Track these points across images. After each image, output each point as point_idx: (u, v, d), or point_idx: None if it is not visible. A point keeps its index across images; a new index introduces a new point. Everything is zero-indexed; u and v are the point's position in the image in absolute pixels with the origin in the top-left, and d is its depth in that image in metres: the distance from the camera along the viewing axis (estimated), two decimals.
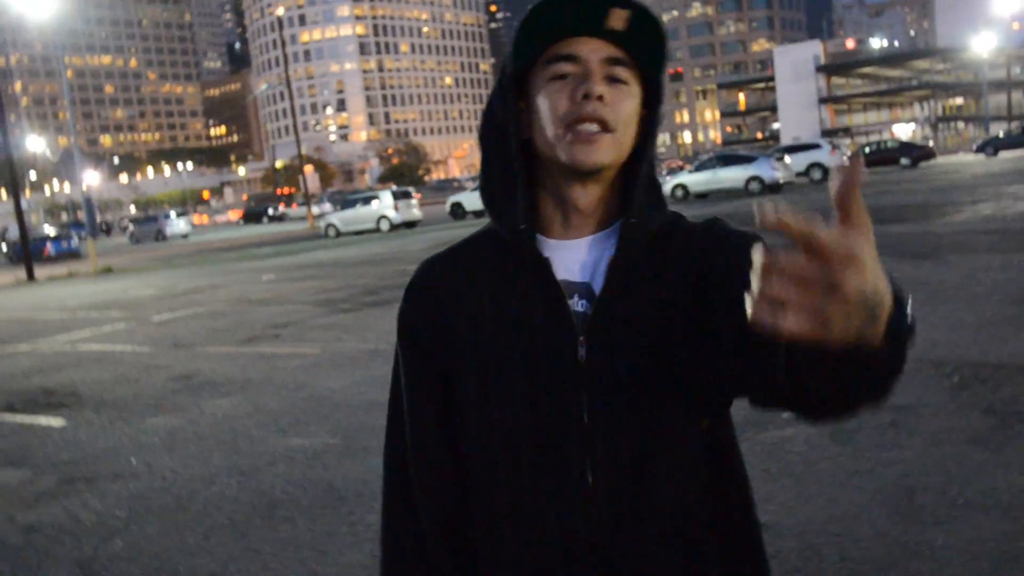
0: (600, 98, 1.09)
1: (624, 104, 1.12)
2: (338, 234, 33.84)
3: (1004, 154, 42.66)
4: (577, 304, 1.14)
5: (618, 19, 1.09)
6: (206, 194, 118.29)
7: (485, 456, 1.17)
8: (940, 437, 4.59)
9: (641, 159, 1.16)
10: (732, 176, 30.09)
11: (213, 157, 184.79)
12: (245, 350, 9.28)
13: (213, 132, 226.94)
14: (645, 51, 1.13)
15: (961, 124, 79.96)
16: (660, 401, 1.12)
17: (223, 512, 4.54)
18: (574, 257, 1.16)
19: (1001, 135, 45.67)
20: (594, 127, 1.09)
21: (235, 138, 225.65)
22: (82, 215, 76.53)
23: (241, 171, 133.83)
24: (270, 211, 64.99)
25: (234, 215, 76.03)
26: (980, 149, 45.12)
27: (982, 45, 59.59)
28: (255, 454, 5.51)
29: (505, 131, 1.15)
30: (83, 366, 9.27)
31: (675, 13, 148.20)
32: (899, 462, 4.30)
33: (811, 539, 3.60)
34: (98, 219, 73.00)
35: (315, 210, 57.12)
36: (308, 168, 51.01)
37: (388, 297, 12.23)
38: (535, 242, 1.15)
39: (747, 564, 1.21)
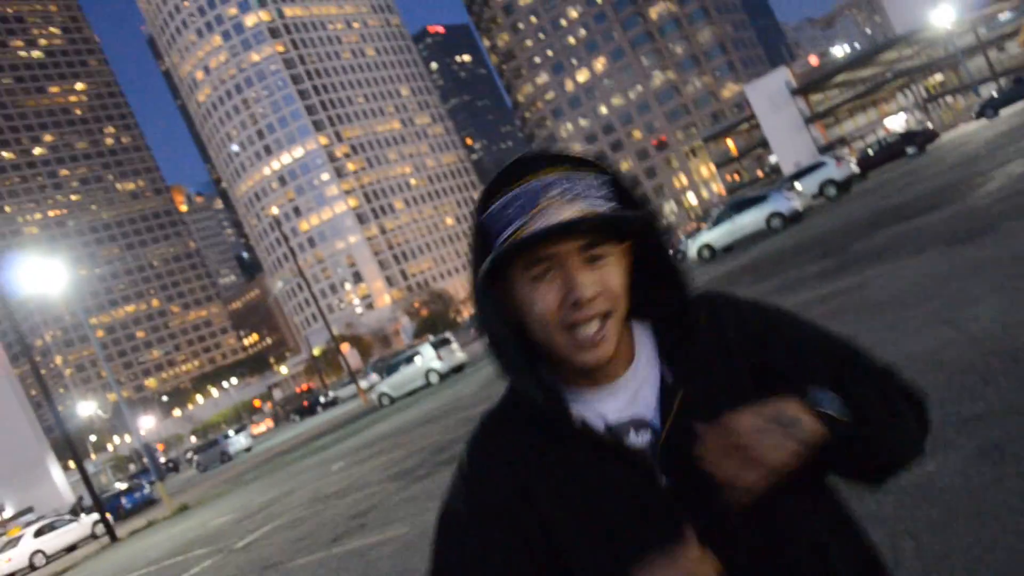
0: (591, 299, 1.09)
1: (611, 279, 1.11)
2: (392, 401, 33.65)
3: (1005, 111, 42.17)
4: (637, 439, 1.13)
5: (555, 188, 1.10)
6: (257, 403, 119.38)
7: None
8: None
9: (658, 259, 1.18)
10: (751, 219, 29.67)
11: (254, 366, 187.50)
12: (335, 551, 8.84)
13: (246, 342, 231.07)
14: (605, 198, 1.13)
15: (950, 98, 79.66)
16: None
17: None
18: (614, 401, 1.16)
19: (995, 95, 45.26)
20: (593, 326, 1.09)
21: (268, 341, 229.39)
22: (147, 462, 77.21)
23: (283, 370, 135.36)
24: (321, 399, 65.20)
25: (262, 425, 77.73)
26: (981, 114, 44.68)
27: (942, 18, 59.81)
28: None
29: (495, 328, 1.15)
30: None
31: (639, 88, 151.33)
32: None
33: None
34: (162, 459, 73.57)
35: (363, 384, 57.23)
36: (344, 346, 51.31)
37: (457, 452, 11.83)
38: (569, 410, 1.14)
39: None
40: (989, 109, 43.68)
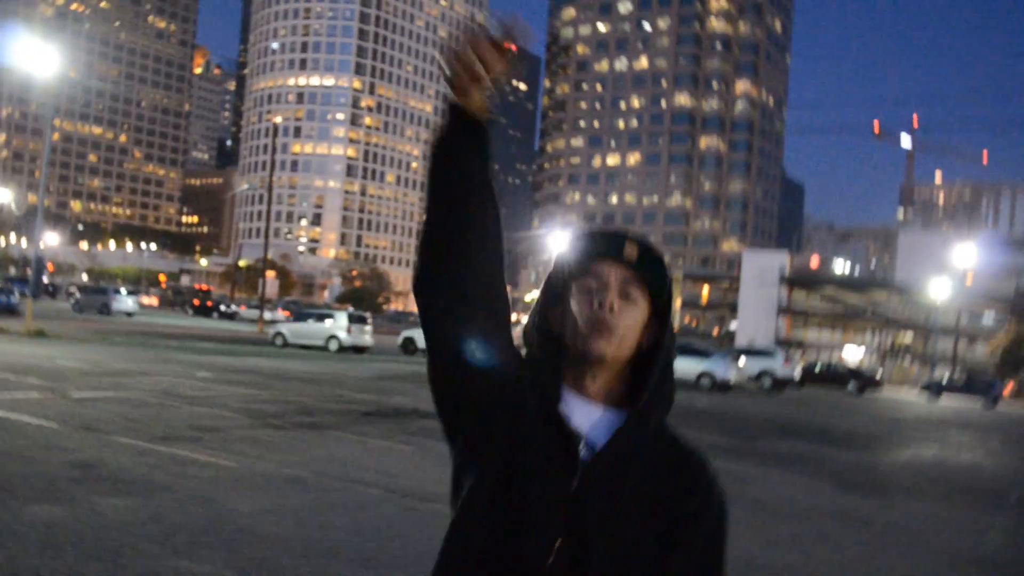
0: (611, 308, 1.46)
1: (628, 315, 1.48)
2: (285, 344, 33.20)
3: (946, 399, 43.49)
4: (582, 450, 1.41)
5: (631, 250, 1.50)
6: (162, 278, 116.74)
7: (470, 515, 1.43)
8: None
9: (652, 358, 1.49)
10: (685, 367, 30.03)
11: (179, 243, 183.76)
12: (159, 448, 8.66)
13: (185, 219, 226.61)
14: (652, 276, 1.50)
15: (907, 360, 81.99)
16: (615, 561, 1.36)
17: None
18: (589, 417, 1.45)
19: (945, 380, 46.68)
20: (604, 334, 1.45)
21: (205, 229, 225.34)
22: (30, 272, 74.81)
23: (203, 262, 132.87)
24: (222, 307, 64.01)
25: (152, 300, 75.06)
26: (925, 388, 46.03)
27: (938, 290, 61.76)
28: (136, 572, 4.93)
29: (549, 331, 1.51)
30: None
31: (655, 199, 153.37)
32: None
33: None
34: (45, 280, 71.44)
35: (267, 315, 56.40)
36: (271, 274, 50.56)
37: (322, 422, 11.70)
38: (561, 402, 1.45)
39: None
40: (933, 389, 45.07)
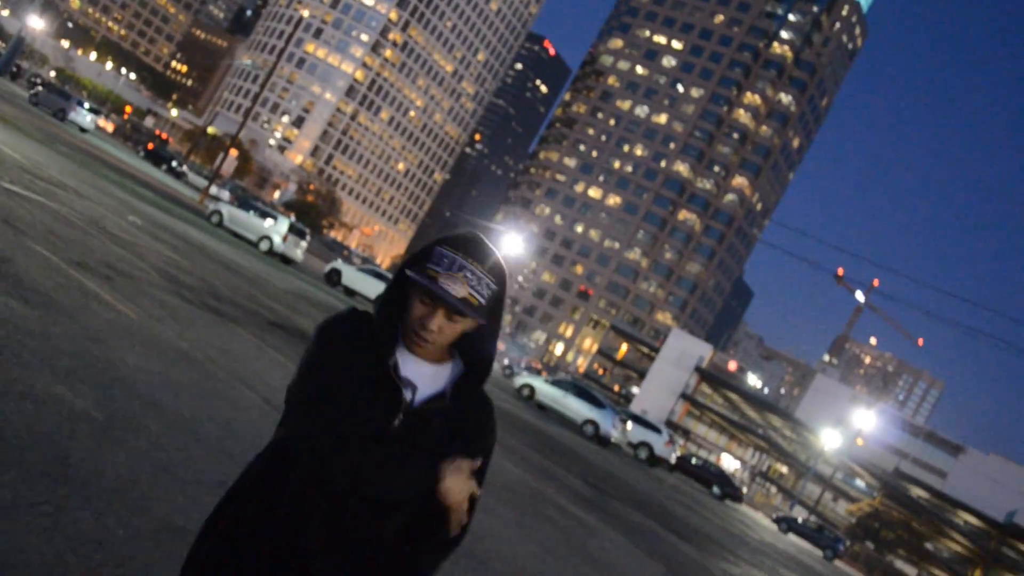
0: (436, 329, 1.84)
1: (452, 329, 1.86)
2: (220, 224, 32.81)
3: (792, 537, 44.85)
4: (407, 394, 1.86)
5: (462, 290, 1.80)
6: (129, 109, 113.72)
7: (307, 455, 1.78)
8: None
9: (475, 340, 1.93)
10: (576, 408, 30.60)
11: (159, 84, 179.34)
12: (71, 272, 8.62)
13: (175, 64, 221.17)
14: (481, 297, 1.83)
15: (774, 488, 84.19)
16: (409, 481, 1.80)
17: None
18: (416, 371, 1.88)
19: (800, 520, 48.12)
20: (425, 343, 1.86)
21: (190, 83, 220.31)
22: (6, 46, 72.21)
23: (174, 112, 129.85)
24: (174, 163, 62.76)
25: (108, 125, 72.12)
26: (777, 521, 47.42)
27: (828, 439, 63.66)
28: (10, 378, 4.98)
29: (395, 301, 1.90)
30: None
31: (616, 246, 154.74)
32: None
33: None
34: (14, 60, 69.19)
35: (213, 189, 55.55)
36: (234, 152, 49.58)
37: (228, 312, 11.69)
38: (396, 357, 1.87)
39: None
40: (784, 524, 46.49)
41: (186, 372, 7.34)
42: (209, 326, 10.00)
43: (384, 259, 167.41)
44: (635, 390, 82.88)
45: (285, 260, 33.17)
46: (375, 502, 1.79)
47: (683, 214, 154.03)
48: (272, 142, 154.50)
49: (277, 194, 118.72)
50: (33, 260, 8.23)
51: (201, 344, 8.72)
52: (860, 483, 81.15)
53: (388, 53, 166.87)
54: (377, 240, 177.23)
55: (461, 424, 1.90)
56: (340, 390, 1.79)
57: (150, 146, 66.03)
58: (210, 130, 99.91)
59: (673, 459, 37.59)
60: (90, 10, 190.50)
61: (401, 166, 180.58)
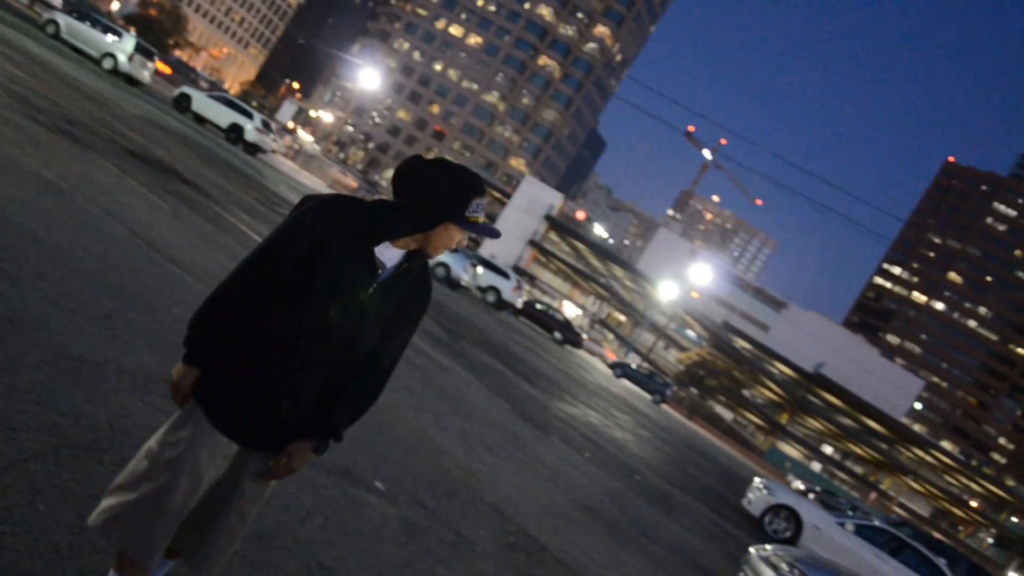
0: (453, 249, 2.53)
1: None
2: (56, 36, 30.51)
3: (625, 382, 47.98)
4: (381, 273, 2.40)
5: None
6: None
7: (306, 308, 2.34)
8: (477, 574, 5.16)
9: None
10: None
11: None
12: None
13: None
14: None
15: (611, 336, 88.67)
16: (367, 334, 2.44)
17: None
18: (390, 255, 2.41)
19: (633, 367, 51.33)
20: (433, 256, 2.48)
21: None
22: None
23: None
24: None
25: None
26: (612, 367, 50.45)
27: (665, 291, 67.29)
28: None
29: (429, 220, 2.39)
30: None
31: (475, 87, 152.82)
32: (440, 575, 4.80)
33: None
34: None
35: None
36: None
37: (87, 140, 11.32)
38: (378, 246, 2.40)
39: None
40: (619, 369, 49.57)
41: (55, 202, 7.28)
42: (68, 153, 9.74)
43: (232, 84, 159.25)
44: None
45: (131, 81, 31.40)
46: (346, 347, 2.42)
47: (543, 60, 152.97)
48: None
49: (115, 5, 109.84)
50: None
51: (65, 174, 8.55)
52: (691, 333, 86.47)
53: None
54: (225, 63, 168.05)
55: (410, 290, 2.49)
56: (338, 262, 2.33)
57: None
58: None
59: (519, 304, 39.03)
60: None
61: None
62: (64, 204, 7.42)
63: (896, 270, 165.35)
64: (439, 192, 2.34)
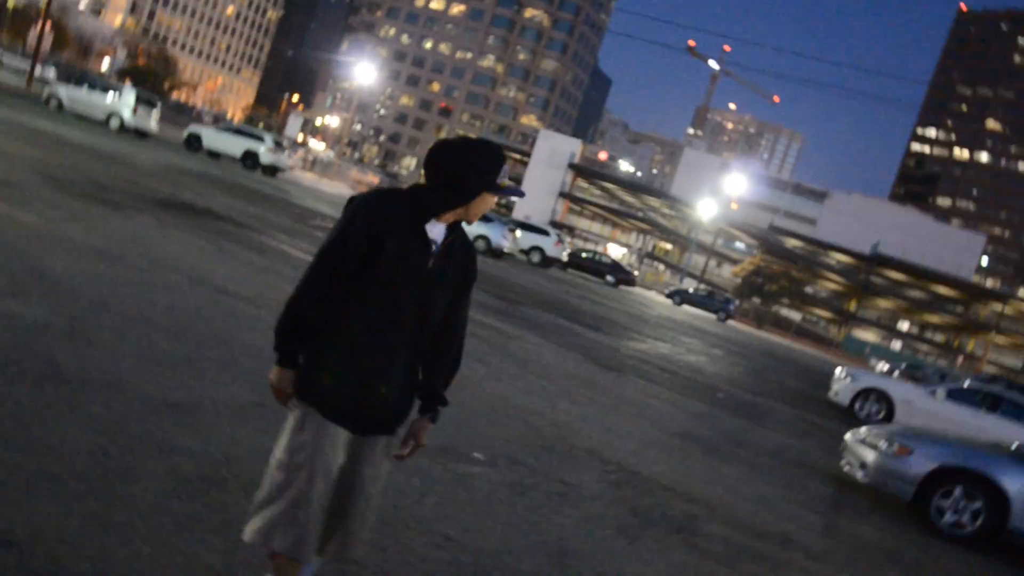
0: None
1: None
2: (60, 108, 31.11)
3: (687, 307, 47.90)
4: (434, 247, 2.62)
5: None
6: None
7: (379, 294, 2.56)
8: (593, 516, 5.37)
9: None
10: (468, 229, 31.30)
11: None
12: None
13: None
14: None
15: (662, 266, 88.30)
16: (437, 304, 2.66)
17: None
18: (436, 230, 2.64)
19: (690, 291, 51.19)
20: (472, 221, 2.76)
21: None
22: None
23: None
24: None
25: None
26: (670, 295, 50.34)
27: (705, 210, 66.76)
28: None
29: (465, 192, 2.62)
30: None
31: (468, 55, 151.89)
32: (560, 525, 5.00)
33: (482, 561, 4.16)
34: None
35: (37, 70, 51.69)
36: (48, 23, 45.92)
37: (121, 202, 11.67)
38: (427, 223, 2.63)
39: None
40: (678, 297, 49.47)
41: (112, 267, 7.59)
42: (107, 217, 10.07)
43: (234, 112, 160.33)
44: (514, 197, 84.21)
45: (140, 134, 31.89)
46: (423, 322, 2.67)
47: (529, 11, 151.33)
48: (83, 6, 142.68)
49: (106, 63, 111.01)
50: None
51: (110, 237, 8.87)
52: (740, 245, 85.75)
53: None
54: (223, 93, 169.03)
55: (460, 258, 2.72)
56: (396, 247, 2.56)
57: None
58: (10, 3, 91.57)
59: (565, 257, 39.14)
60: None
61: (230, 9, 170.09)
62: (120, 266, 7.73)
63: (931, 132, 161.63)
64: (472, 167, 2.58)
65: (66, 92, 31.73)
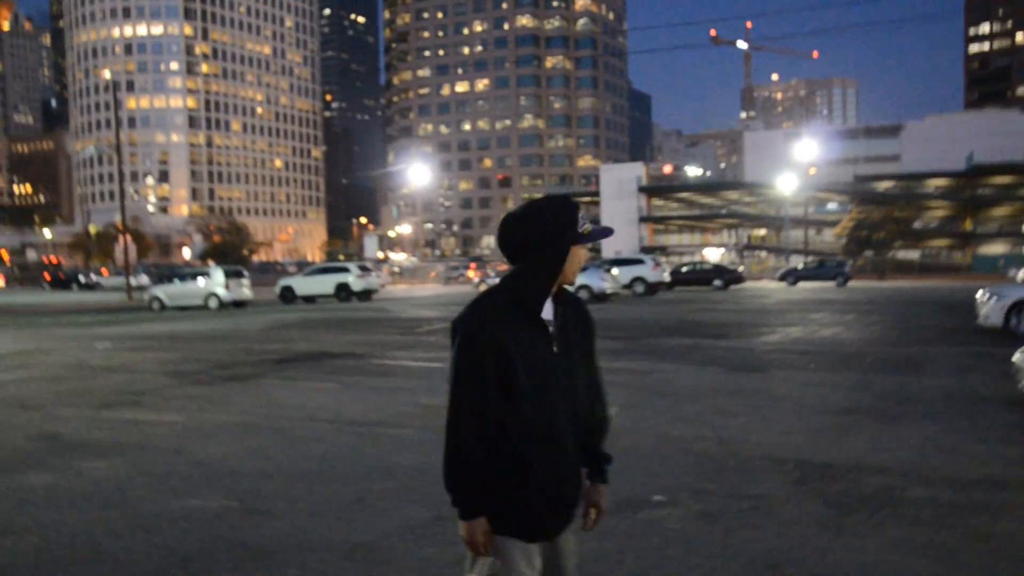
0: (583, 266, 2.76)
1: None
2: (163, 307, 32.77)
3: (802, 284, 46.72)
4: (550, 328, 2.55)
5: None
6: (4, 254, 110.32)
7: (529, 401, 2.47)
8: (791, 520, 5.27)
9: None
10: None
11: (15, 216, 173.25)
12: (106, 415, 9.07)
13: (17, 189, 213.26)
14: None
15: (764, 253, 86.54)
16: (578, 378, 2.61)
17: (139, 566, 4.60)
18: (546, 308, 2.55)
19: (800, 267, 49.94)
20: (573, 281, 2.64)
21: (41, 199, 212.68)
22: None
23: (47, 233, 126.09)
24: (81, 278, 61.60)
25: None
26: (783, 278, 49.18)
27: (785, 184, 65.47)
28: (152, 513, 5.54)
29: (555, 258, 2.52)
30: None
31: (507, 122, 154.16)
32: (762, 539, 4.93)
33: None
34: None
35: (131, 281, 54.65)
36: (126, 236, 48.83)
37: (244, 373, 12.18)
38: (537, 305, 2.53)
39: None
40: (791, 277, 48.28)
41: (262, 436, 7.92)
42: (239, 392, 10.52)
43: (313, 253, 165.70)
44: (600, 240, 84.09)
45: (238, 305, 33.28)
46: (574, 400, 2.61)
47: (549, 61, 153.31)
48: (151, 208, 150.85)
49: (186, 252, 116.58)
50: (73, 423, 8.66)
51: (249, 409, 9.26)
52: (832, 205, 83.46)
53: (205, 68, 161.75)
54: (298, 240, 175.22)
55: (576, 325, 2.66)
56: (522, 354, 2.47)
57: (47, 277, 64.60)
58: (92, 229, 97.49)
59: (667, 278, 38.81)
60: None
61: (278, 163, 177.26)
62: (265, 433, 8.05)
63: (985, 28, 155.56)
64: (549, 228, 2.49)
65: (163, 291, 33.52)
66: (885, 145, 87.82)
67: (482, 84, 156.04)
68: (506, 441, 2.47)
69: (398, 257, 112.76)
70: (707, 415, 8.63)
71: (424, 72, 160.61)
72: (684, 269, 43.54)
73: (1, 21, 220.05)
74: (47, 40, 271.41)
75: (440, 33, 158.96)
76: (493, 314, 2.48)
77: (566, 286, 2.62)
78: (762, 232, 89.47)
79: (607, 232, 2.61)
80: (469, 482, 2.47)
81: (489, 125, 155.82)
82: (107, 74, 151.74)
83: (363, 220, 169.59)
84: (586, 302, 3.02)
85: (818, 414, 8.63)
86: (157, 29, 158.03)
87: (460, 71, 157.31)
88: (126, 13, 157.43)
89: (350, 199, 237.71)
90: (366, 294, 36.10)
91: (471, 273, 65.39)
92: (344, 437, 7.80)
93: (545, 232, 2.49)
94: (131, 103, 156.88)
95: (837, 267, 47.66)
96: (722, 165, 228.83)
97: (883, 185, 74.95)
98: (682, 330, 18.37)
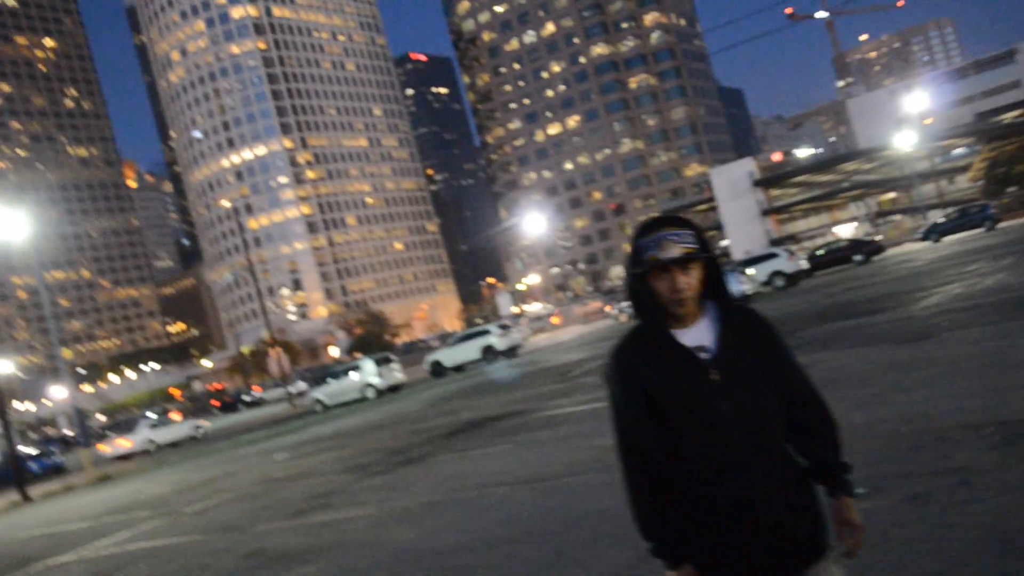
0: (679, 288, 2.29)
1: (690, 279, 2.30)
2: (325, 408, 33.99)
3: (947, 238, 44.48)
4: (701, 354, 2.32)
5: (673, 250, 2.27)
6: (174, 391, 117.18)
7: (690, 437, 2.31)
8: (1011, 487, 4.97)
9: (716, 282, 2.38)
10: None
11: (175, 355, 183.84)
12: (300, 521, 9.46)
13: (171, 329, 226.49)
14: (692, 245, 2.29)
15: (898, 216, 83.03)
16: (755, 400, 2.32)
17: None
18: (692, 336, 2.35)
19: (941, 220, 47.63)
20: (681, 308, 2.32)
21: (195, 333, 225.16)
22: (52, 431, 74.74)
23: (206, 363, 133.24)
24: (245, 397, 64.68)
25: (175, 416, 72.99)
26: (925, 236, 46.94)
27: (904, 142, 62.84)
28: None
29: (645, 299, 2.36)
30: (143, 563, 9.32)
31: (607, 151, 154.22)
32: (984, 513, 4.67)
33: None
34: (67, 432, 71.76)
35: (291, 389, 56.98)
36: (277, 350, 51.19)
37: (417, 455, 12.48)
38: (671, 335, 2.36)
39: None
40: (933, 234, 45.98)
41: (451, 512, 8.10)
42: (418, 473, 10.78)
43: (451, 323, 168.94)
44: (724, 243, 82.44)
45: (394, 389, 34.21)
46: (752, 423, 2.31)
47: (633, 82, 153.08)
48: (293, 316, 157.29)
49: (334, 351, 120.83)
50: (274, 536, 9.07)
51: (432, 488, 9.48)
52: (960, 151, 79.54)
53: (311, 174, 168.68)
54: (434, 314, 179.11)
55: (749, 337, 2.37)
56: (671, 394, 2.32)
57: (215, 403, 68.06)
58: (244, 350, 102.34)
59: (805, 264, 37.74)
60: (81, 348, 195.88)
61: (398, 245, 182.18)
62: (455, 507, 8.24)
63: None
64: (632, 257, 2.37)
65: (322, 393, 34.82)
66: (1001, 74, 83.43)
67: (573, 121, 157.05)
68: (682, 481, 2.33)
69: (534, 308, 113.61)
70: (884, 395, 8.32)
71: (515, 124, 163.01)
72: (820, 252, 42.18)
73: (127, 181, 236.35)
74: (168, 187, 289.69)
75: (521, 83, 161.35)
76: (630, 356, 2.40)
77: (732, 300, 2.41)
78: (891, 196, 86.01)
79: (666, 256, 2.29)
80: (655, 529, 2.38)
81: (589, 158, 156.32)
82: (226, 203, 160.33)
83: (491, 280, 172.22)
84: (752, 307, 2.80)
85: (1004, 369, 8.18)
86: (260, 151, 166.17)
87: (549, 114, 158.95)
88: (231, 143, 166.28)
89: (474, 263, 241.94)
90: (511, 351, 36.53)
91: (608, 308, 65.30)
92: (527, 495, 7.89)
93: (629, 265, 2.39)
94: (252, 224, 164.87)
95: (981, 212, 45.21)
96: (831, 139, 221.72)
97: (1009, 116, 70.95)
98: (835, 313, 17.79)
